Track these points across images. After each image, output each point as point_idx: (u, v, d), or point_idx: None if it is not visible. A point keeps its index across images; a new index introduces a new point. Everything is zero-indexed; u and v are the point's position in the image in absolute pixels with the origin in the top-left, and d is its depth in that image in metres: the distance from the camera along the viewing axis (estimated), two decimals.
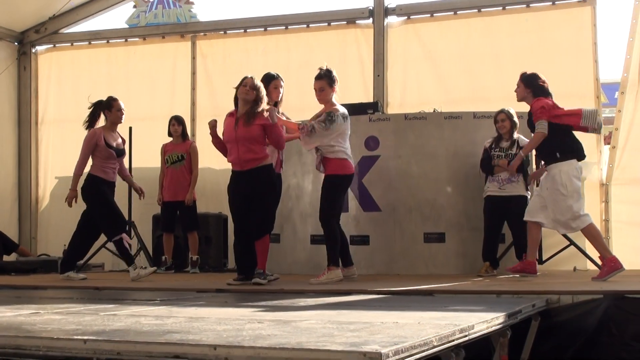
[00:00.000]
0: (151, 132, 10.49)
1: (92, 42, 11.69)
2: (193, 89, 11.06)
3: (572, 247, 8.09)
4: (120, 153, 7.82)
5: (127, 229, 7.92)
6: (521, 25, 9.76)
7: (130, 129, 10.09)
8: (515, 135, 7.79)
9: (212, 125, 6.76)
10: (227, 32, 11.07)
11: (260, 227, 6.60)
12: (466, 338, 3.47)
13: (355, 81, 10.11)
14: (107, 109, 7.82)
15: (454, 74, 9.91)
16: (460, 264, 8.02)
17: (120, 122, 7.86)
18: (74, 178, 7.85)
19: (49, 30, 11.73)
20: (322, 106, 6.91)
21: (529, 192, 7.73)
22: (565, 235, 8.03)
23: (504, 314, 4.14)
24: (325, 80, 6.91)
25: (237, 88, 6.72)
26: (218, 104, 10.39)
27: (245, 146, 6.56)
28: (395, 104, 10.18)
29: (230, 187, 6.74)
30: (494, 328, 3.95)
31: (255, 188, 6.57)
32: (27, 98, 11.77)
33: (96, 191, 7.61)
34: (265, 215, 6.63)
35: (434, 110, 8.42)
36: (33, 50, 11.87)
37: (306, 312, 4.39)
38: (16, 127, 11.72)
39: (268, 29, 10.89)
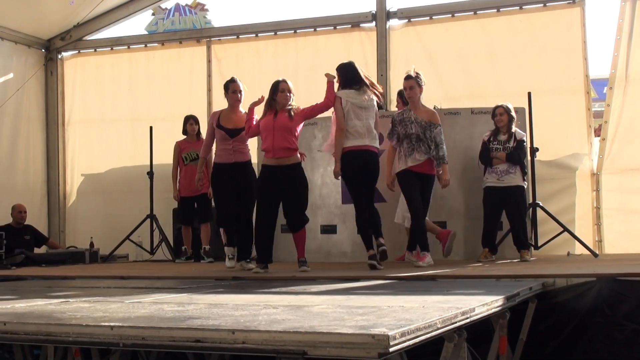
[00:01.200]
0: (171, 130, 10.49)
1: (114, 48, 11.69)
2: (209, 90, 11.05)
3: (565, 233, 8.06)
4: (233, 133, 7.18)
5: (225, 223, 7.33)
6: (515, 26, 9.71)
7: (151, 128, 10.12)
8: (513, 128, 7.74)
9: (259, 101, 6.89)
10: (240, 36, 11.05)
11: (301, 219, 6.68)
12: (468, 320, 3.46)
13: None
14: (225, 91, 7.39)
15: (452, 73, 9.88)
16: (460, 251, 7.99)
17: (237, 103, 7.27)
18: (199, 161, 7.74)
19: (73, 38, 11.74)
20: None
21: (526, 182, 7.70)
22: (559, 222, 8.00)
23: (503, 296, 4.12)
24: (414, 80, 7.18)
25: (272, 93, 6.77)
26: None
27: (282, 135, 6.62)
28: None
29: (263, 181, 6.70)
30: (493, 310, 3.93)
31: (292, 184, 6.61)
32: (54, 101, 11.78)
33: (214, 178, 7.27)
34: (304, 209, 6.68)
35: (434, 107, 8.36)
36: (59, 57, 11.88)
37: (318, 297, 4.37)
38: (44, 129, 11.73)
39: (278, 33, 10.85)
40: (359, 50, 10.36)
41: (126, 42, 11.63)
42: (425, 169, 7.09)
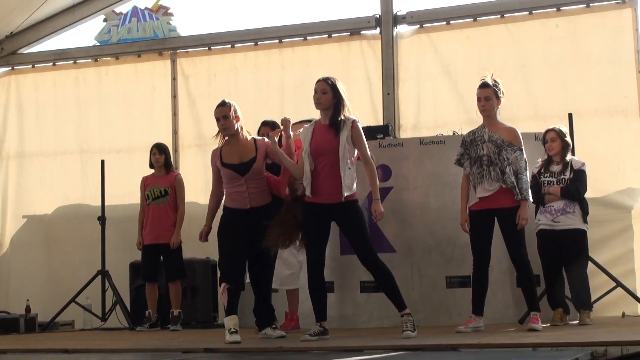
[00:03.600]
0: (128, 165, 10.50)
1: (57, 63, 11.75)
2: (174, 114, 11.09)
3: (619, 289, 8.04)
4: (243, 169, 7.06)
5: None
6: (551, 31, 9.80)
7: (103, 162, 10.13)
8: (569, 156, 7.70)
9: (285, 125, 6.92)
10: (212, 47, 11.11)
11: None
12: None
13: (362, 101, 10.12)
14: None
15: (475, 90, 9.86)
16: (489, 313, 7.90)
17: (225, 133, 7.12)
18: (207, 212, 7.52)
19: (6, 51, 11.80)
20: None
21: (587, 225, 7.69)
22: (611, 276, 7.98)
23: None
24: (491, 90, 7.13)
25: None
26: (203, 132, 10.44)
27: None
28: (409, 127, 10.19)
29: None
30: None
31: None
32: None
33: (222, 220, 7.17)
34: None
35: (454, 133, 8.40)
36: None
37: None
38: None
39: (259, 42, 10.94)
40: (360, 63, 10.43)
41: (72, 56, 11.69)
42: (500, 202, 7.02)
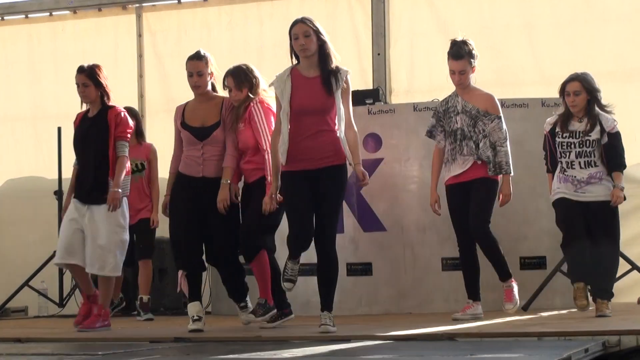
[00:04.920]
0: None
1: (6, 18, 11.66)
2: (140, 76, 11.07)
3: (635, 272, 8.10)
4: (203, 134, 7.00)
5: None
6: None
7: (59, 129, 10.08)
8: (596, 110, 7.01)
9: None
10: (182, 1, 11.06)
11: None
12: None
13: (349, 62, 9.99)
14: None
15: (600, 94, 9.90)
16: (489, 299, 7.97)
17: (197, 90, 7.06)
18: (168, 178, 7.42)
19: None
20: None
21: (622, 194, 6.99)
22: (626, 258, 8.02)
23: None
24: (466, 60, 7.09)
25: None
26: (173, 95, 10.36)
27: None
28: (401, 91, 10.19)
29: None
30: None
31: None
32: None
33: (172, 194, 7.14)
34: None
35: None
36: None
37: None
38: None
39: None
40: (347, 20, 10.42)
41: (23, 10, 11.61)
42: (474, 173, 7.04)
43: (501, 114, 7.09)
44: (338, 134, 6.27)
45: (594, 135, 6.94)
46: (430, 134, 7.28)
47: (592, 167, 6.96)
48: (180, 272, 7.00)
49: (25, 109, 11.46)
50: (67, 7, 11.41)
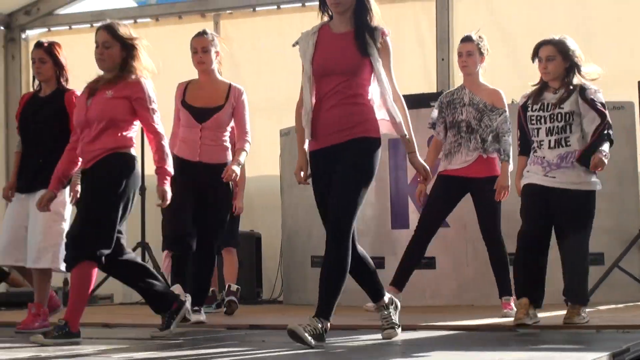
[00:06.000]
0: (167, 129, 10.53)
1: (95, 25, 11.74)
2: None
3: None
4: (204, 115, 6.52)
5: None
6: None
7: (142, 129, 10.19)
8: (577, 79, 5.75)
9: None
10: (257, 9, 11.13)
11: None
12: None
13: (415, 67, 10.11)
14: None
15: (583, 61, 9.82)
16: (548, 291, 7.94)
17: (200, 67, 6.72)
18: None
19: (42, 11, 11.90)
20: None
21: (597, 181, 5.81)
22: None
23: (607, 353, 4.11)
24: (474, 44, 6.78)
25: None
26: (249, 98, 10.42)
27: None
28: None
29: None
30: None
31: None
32: (17, 93, 11.91)
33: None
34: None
35: (512, 102, 8.36)
36: (23, 36, 12.07)
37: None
38: (4, 130, 11.87)
39: (306, 4, 10.89)
40: (413, 27, 10.40)
41: (110, 17, 11.48)
42: (475, 171, 6.71)
43: (507, 109, 6.75)
44: (372, 104, 5.05)
45: (567, 107, 5.65)
46: (433, 126, 6.92)
47: (562, 146, 5.67)
48: (164, 253, 6.59)
49: None
50: (150, 15, 11.56)
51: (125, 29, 5.81)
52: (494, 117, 6.68)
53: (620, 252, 7.79)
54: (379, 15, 5.09)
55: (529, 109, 5.77)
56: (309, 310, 7.20)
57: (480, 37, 6.86)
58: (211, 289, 8.12)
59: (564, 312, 6.25)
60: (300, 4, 10.95)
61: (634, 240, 7.87)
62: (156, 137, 5.55)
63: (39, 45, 6.64)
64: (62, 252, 5.85)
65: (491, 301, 7.92)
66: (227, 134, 6.48)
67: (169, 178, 5.46)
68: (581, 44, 9.53)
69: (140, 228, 9.89)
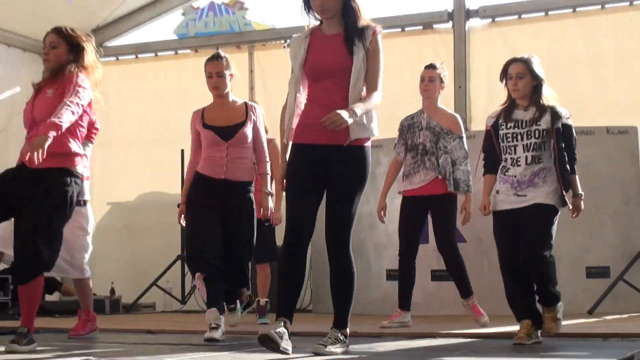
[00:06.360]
0: None
1: (139, 56, 11.96)
2: None
3: None
4: (228, 133, 6.00)
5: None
6: (623, 25, 9.66)
7: (182, 151, 10.28)
8: (546, 100, 5.38)
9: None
10: (288, 41, 11.17)
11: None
12: None
13: None
14: None
15: (546, 82, 9.84)
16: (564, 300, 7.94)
17: (215, 92, 6.15)
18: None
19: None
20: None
21: (562, 203, 5.37)
22: None
23: None
24: (436, 72, 6.76)
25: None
26: (278, 122, 10.49)
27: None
28: (480, 119, 10.11)
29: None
30: None
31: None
32: None
33: (190, 190, 6.09)
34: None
35: None
36: None
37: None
38: None
39: None
40: (432, 56, 10.34)
41: (153, 49, 11.89)
42: (432, 189, 6.66)
43: (463, 135, 6.70)
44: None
45: (544, 124, 5.28)
46: (396, 146, 6.91)
47: (536, 163, 5.28)
48: (197, 275, 5.95)
49: (153, 134, 11.66)
50: (189, 47, 11.65)
51: (75, 32, 5.46)
52: (449, 140, 6.65)
53: (625, 266, 7.76)
54: (365, 15, 4.79)
55: (502, 127, 5.37)
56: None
57: (442, 67, 6.88)
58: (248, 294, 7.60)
59: (576, 321, 6.25)
60: (399, 29, 10.77)
61: (638, 255, 7.83)
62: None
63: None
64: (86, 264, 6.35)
65: (505, 310, 7.91)
66: (250, 150, 6.09)
67: (53, 132, 4.87)
68: (587, 73, 9.68)
69: (180, 241, 9.94)
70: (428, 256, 7.80)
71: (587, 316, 7.38)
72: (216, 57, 6.05)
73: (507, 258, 5.32)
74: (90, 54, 5.43)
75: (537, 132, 5.25)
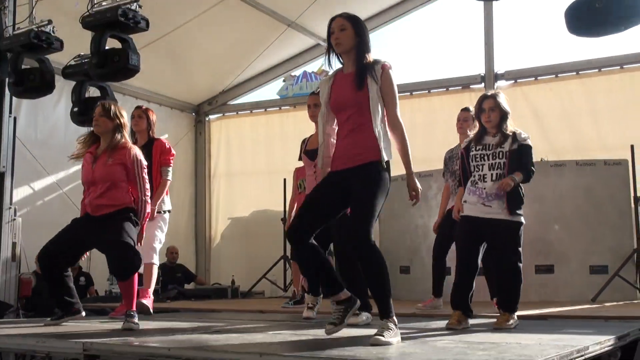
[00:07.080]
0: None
1: (253, 111, 12.09)
2: None
3: None
4: (314, 155, 5.09)
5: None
6: (615, 84, 9.41)
7: (285, 180, 10.28)
8: (509, 127, 4.91)
9: None
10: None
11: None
12: (582, 358, 3.34)
13: None
14: None
15: (556, 129, 9.64)
16: (567, 293, 7.68)
17: (313, 120, 5.54)
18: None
19: (219, 102, 12.23)
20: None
21: (520, 217, 4.84)
22: None
23: (614, 336, 3.96)
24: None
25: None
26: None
27: None
28: None
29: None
30: (606, 349, 3.78)
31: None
32: (203, 157, 12.25)
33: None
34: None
35: (541, 160, 8.18)
36: (207, 119, 12.36)
37: (439, 333, 4.32)
38: (194, 181, 12.18)
39: (434, 89, 10.68)
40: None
41: (263, 106, 12.00)
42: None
43: None
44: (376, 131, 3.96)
45: (507, 146, 4.83)
46: (443, 175, 6.67)
47: (500, 180, 4.78)
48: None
49: (263, 167, 11.72)
50: (289, 104, 11.71)
51: (115, 107, 5.18)
52: None
53: (619, 265, 7.49)
54: (371, 56, 4.10)
55: (472, 149, 4.92)
56: (401, 303, 7.08)
57: (473, 110, 5.77)
58: (293, 289, 7.34)
59: (582, 306, 6.03)
60: (445, 89, 10.59)
61: (630, 256, 7.56)
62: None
63: (138, 107, 6.03)
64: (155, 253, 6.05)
65: (528, 298, 7.65)
66: None
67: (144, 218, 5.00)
68: (588, 121, 9.44)
69: (282, 243, 9.93)
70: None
71: (590, 303, 7.11)
72: (316, 92, 5.43)
73: (463, 259, 4.81)
74: (124, 117, 5.19)
75: (501, 153, 4.81)
